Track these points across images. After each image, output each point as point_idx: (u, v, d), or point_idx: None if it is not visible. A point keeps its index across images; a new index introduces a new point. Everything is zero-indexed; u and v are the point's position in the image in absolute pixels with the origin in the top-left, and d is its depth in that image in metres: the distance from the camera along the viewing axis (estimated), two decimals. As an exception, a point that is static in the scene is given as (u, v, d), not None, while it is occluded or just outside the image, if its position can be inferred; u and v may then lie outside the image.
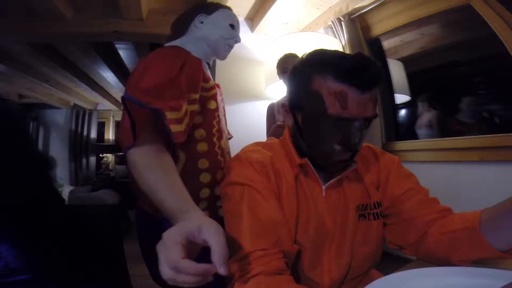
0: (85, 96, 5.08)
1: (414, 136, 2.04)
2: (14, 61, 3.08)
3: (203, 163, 0.79)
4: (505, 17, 1.39)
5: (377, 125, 1.94)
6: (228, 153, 0.91)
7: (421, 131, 2.03)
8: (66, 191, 3.57)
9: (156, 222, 0.75)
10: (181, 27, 0.91)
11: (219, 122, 0.86)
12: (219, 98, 0.91)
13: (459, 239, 0.53)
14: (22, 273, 0.61)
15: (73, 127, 5.40)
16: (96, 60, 3.17)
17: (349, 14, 1.99)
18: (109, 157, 5.96)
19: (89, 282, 0.79)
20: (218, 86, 0.93)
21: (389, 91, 2.12)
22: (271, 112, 1.73)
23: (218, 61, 1.05)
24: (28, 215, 0.65)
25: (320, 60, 0.56)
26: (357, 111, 0.52)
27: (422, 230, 0.60)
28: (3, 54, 2.87)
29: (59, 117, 5.51)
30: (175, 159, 0.74)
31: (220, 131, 0.85)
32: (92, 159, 5.64)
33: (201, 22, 0.89)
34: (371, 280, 0.46)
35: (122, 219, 3.16)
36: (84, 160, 5.43)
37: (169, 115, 0.65)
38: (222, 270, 0.38)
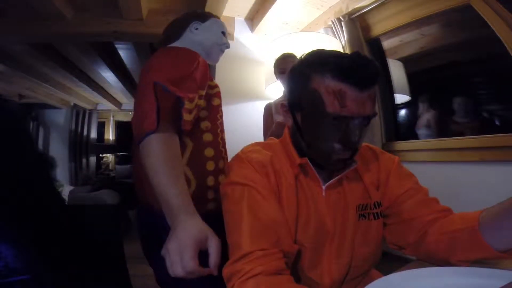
0: (85, 96, 5.08)
1: (414, 136, 2.03)
2: (14, 61, 3.08)
3: (209, 152, 0.88)
4: (505, 17, 1.38)
5: (377, 125, 1.94)
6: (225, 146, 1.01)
7: (420, 131, 2.03)
8: (66, 191, 3.58)
9: (160, 217, 0.77)
10: (175, 32, 0.99)
11: (221, 117, 0.96)
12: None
13: (459, 239, 0.53)
14: (22, 273, 0.61)
15: (73, 127, 5.40)
16: (96, 60, 3.17)
17: (349, 14, 1.99)
18: (109, 157, 5.97)
19: (89, 282, 0.79)
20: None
21: (389, 91, 2.12)
22: (269, 112, 1.73)
23: (218, 62, 1.10)
24: (28, 215, 0.65)
25: (319, 60, 0.56)
26: (356, 110, 0.53)
27: (422, 230, 0.60)
28: (3, 54, 2.87)
29: (59, 117, 5.51)
30: (182, 145, 0.82)
31: (221, 125, 0.95)
32: (92, 159, 5.65)
33: (196, 29, 0.98)
34: (371, 280, 0.46)
35: (122, 219, 3.16)
36: (84, 160, 5.43)
37: (186, 104, 0.75)
38: (215, 272, 0.55)
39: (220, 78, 2.19)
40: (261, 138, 1.77)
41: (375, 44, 2.14)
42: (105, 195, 3.34)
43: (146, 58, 2.93)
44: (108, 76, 3.81)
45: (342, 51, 1.92)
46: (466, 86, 1.88)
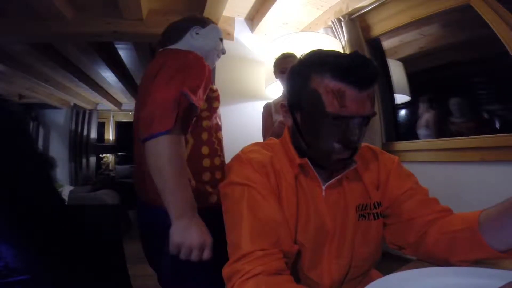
0: (85, 96, 5.07)
1: (414, 136, 2.03)
2: (14, 61, 3.08)
3: (205, 150, 0.94)
4: (505, 17, 1.38)
5: (377, 125, 1.94)
6: (223, 145, 1.06)
7: (420, 131, 2.03)
8: (66, 191, 3.57)
9: (159, 215, 0.83)
10: (175, 34, 1.02)
11: (217, 117, 1.02)
12: None
13: (459, 239, 0.53)
14: (22, 273, 0.61)
15: (73, 127, 5.39)
16: (96, 60, 3.16)
17: (349, 14, 1.99)
18: (109, 157, 5.96)
19: (89, 282, 0.79)
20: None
21: (389, 91, 2.12)
22: (269, 112, 1.72)
23: (218, 61, 1.12)
24: (28, 215, 0.65)
25: (318, 60, 0.56)
26: (355, 109, 0.53)
27: (422, 230, 0.60)
28: (3, 54, 2.87)
29: (59, 117, 5.51)
30: (185, 141, 0.90)
31: (218, 125, 1.02)
32: (92, 159, 5.64)
33: (197, 33, 1.02)
34: (371, 280, 0.46)
35: (122, 219, 3.16)
36: (84, 160, 5.42)
37: (197, 110, 0.86)
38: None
39: (220, 78, 2.19)
40: (261, 138, 1.77)
41: (375, 44, 2.14)
42: (105, 195, 3.34)
43: (146, 58, 2.93)
44: (108, 76, 3.80)
45: (342, 51, 1.92)
46: (466, 86, 1.88)
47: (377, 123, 1.94)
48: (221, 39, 1.08)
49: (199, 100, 0.86)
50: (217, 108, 1.01)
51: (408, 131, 2.15)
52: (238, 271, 0.48)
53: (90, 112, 5.57)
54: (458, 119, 1.82)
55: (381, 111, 2.03)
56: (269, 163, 0.60)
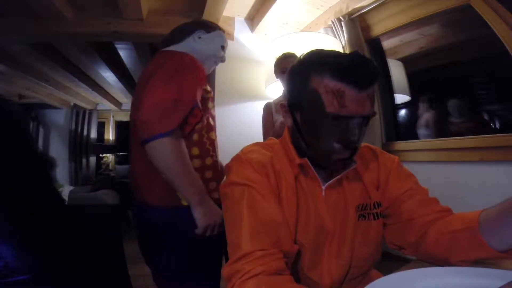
0: (85, 96, 5.07)
1: (414, 136, 2.03)
2: (14, 61, 3.08)
3: (195, 150, 0.95)
4: (505, 17, 1.38)
5: (377, 125, 1.94)
6: (217, 144, 1.08)
7: (420, 131, 2.03)
8: (66, 191, 3.57)
9: (155, 214, 0.90)
10: (179, 35, 1.04)
11: (209, 118, 1.02)
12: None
13: (459, 239, 0.53)
14: (22, 273, 0.61)
15: (73, 127, 5.39)
16: (96, 60, 3.16)
17: (349, 14, 1.99)
18: (109, 157, 5.95)
19: (89, 282, 0.79)
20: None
21: (389, 91, 2.12)
22: (269, 112, 1.72)
23: (209, 72, 1.13)
24: (28, 215, 0.65)
25: (318, 60, 0.56)
26: (355, 109, 0.53)
27: (421, 230, 0.60)
28: (3, 54, 2.87)
29: (59, 117, 5.51)
30: None
31: (209, 125, 1.02)
32: (92, 159, 5.64)
33: (199, 37, 1.04)
34: (371, 280, 0.46)
35: (122, 219, 3.15)
36: (84, 160, 5.42)
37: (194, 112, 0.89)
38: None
39: (220, 78, 2.19)
40: (261, 138, 1.77)
41: (375, 44, 2.14)
42: (105, 195, 3.34)
43: (146, 58, 2.93)
44: (108, 76, 3.80)
45: (342, 51, 1.92)
46: (466, 86, 1.88)
47: (377, 123, 1.94)
48: (222, 47, 1.09)
49: (195, 98, 0.88)
50: (210, 109, 1.03)
51: (408, 131, 2.15)
52: (238, 271, 0.48)
53: (90, 112, 5.57)
54: (458, 119, 1.82)
55: (381, 111, 2.03)
56: (269, 163, 0.60)
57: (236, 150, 0.67)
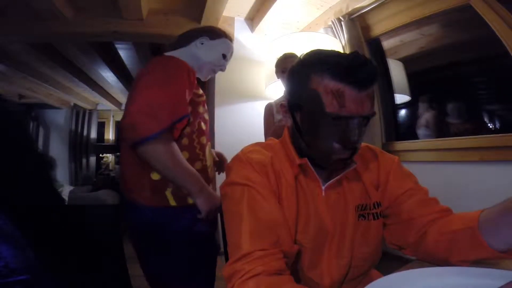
0: (85, 96, 5.07)
1: (414, 136, 2.03)
2: (14, 61, 3.08)
3: (185, 155, 0.95)
4: (505, 17, 1.39)
5: (377, 125, 1.94)
6: (209, 149, 1.09)
7: (420, 131, 2.03)
8: (66, 191, 3.57)
9: (145, 214, 0.93)
10: (184, 40, 1.05)
11: (200, 123, 1.02)
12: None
13: (459, 239, 0.53)
14: (22, 273, 0.61)
15: (73, 127, 5.39)
16: (96, 60, 3.17)
17: (349, 14, 1.99)
18: (109, 157, 5.95)
19: (89, 282, 0.79)
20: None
21: (389, 91, 2.12)
22: (270, 112, 1.72)
23: (206, 79, 1.13)
24: (28, 215, 0.65)
25: (317, 60, 0.56)
26: (355, 109, 0.53)
27: (421, 230, 0.60)
28: (3, 54, 2.87)
29: (59, 117, 5.51)
30: None
31: (201, 130, 1.02)
32: (92, 159, 5.64)
33: (202, 43, 1.04)
34: (371, 280, 0.46)
35: (122, 219, 3.15)
36: (84, 160, 5.43)
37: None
38: None
39: (220, 78, 2.19)
40: (261, 138, 1.77)
41: (375, 44, 2.14)
42: (105, 195, 3.33)
43: (146, 58, 2.93)
44: (108, 76, 3.80)
45: (342, 51, 1.92)
46: (466, 86, 1.88)
47: (377, 123, 1.95)
48: (224, 56, 1.08)
49: (186, 105, 0.90)
50: (201, 113, 1.02)
51: (408, 131, 2.15)
52: (238, 271, 0.48)
53: (90, 112, 5.57)
54: (458, 119, 1.82)
55: (381, 111, 2.03)
56: (269, 163, 0.60)
57: (236, 150, 0.67)
